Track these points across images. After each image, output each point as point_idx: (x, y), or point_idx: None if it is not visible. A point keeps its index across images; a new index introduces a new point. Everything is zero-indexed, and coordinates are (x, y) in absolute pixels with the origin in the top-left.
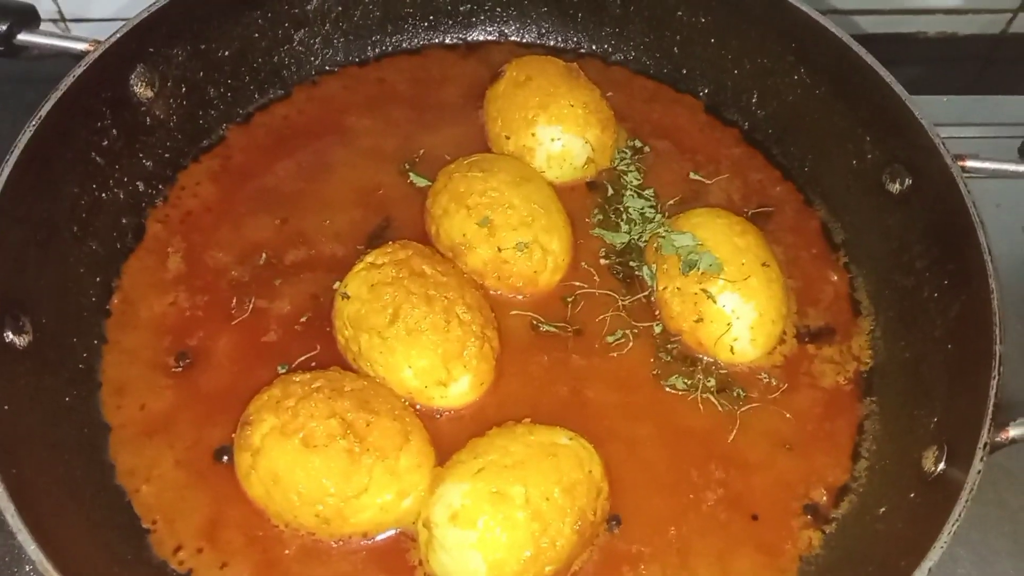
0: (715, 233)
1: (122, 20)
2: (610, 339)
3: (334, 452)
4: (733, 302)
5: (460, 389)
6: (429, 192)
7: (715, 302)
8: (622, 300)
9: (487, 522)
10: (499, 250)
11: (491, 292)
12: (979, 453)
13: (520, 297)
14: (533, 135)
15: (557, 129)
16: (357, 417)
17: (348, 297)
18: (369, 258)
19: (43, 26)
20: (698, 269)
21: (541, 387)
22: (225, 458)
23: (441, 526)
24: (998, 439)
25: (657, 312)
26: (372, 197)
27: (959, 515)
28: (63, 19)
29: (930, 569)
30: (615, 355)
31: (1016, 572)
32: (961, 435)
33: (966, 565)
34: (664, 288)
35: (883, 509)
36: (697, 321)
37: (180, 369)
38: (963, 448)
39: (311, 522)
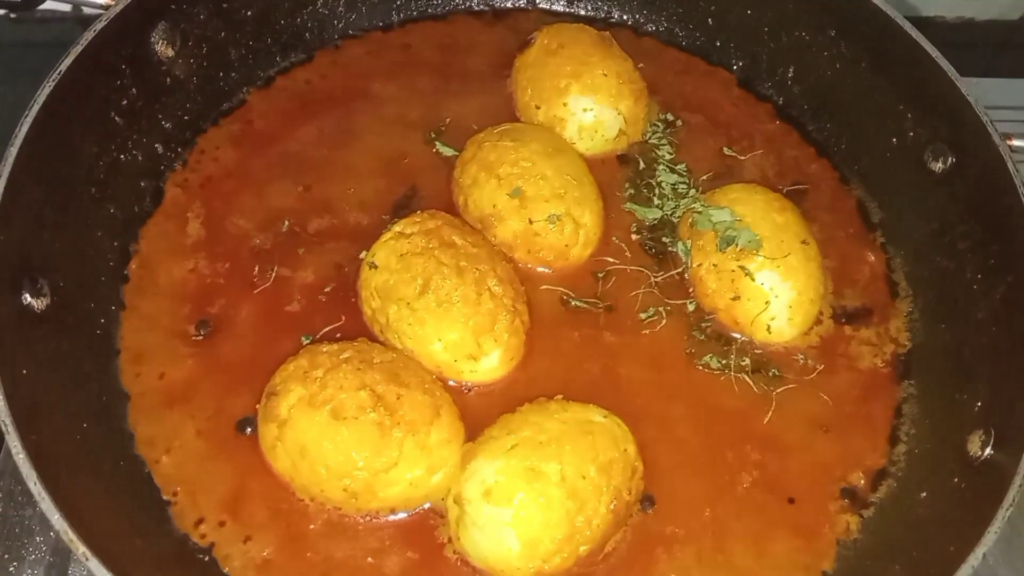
0: (754, 209)
1: None
2: (643, 316)
3: (364, 424)
4: (772, 280)
5: (490, 364)
6: (457, 162)
7: (753, 280)
8: (655, 276)
9: (522, 499)
10: (530, 222)
11: (520, 265)
12: None
13: (549, 271)
14: (565, 105)
15: (590, 99)
16: (387, 390)
17: (376, 267)
18: (397, 227)
19: None
20: (736, 245)
21: (572, 364)
22: (248, 429)
23: (474, 503)
24: None
25: (691, 289)
26: (397, 166)
27: (1013, 499)
28: None
29: (984, 554)
30: (647, 332)
31: None
32: (1009, 419)
33: (993, 552)
34: (699, 265)
35: (924, 494)
36: (734, 299)
37: (201, 337)
38: (1012, 433)
39: (338, 496)
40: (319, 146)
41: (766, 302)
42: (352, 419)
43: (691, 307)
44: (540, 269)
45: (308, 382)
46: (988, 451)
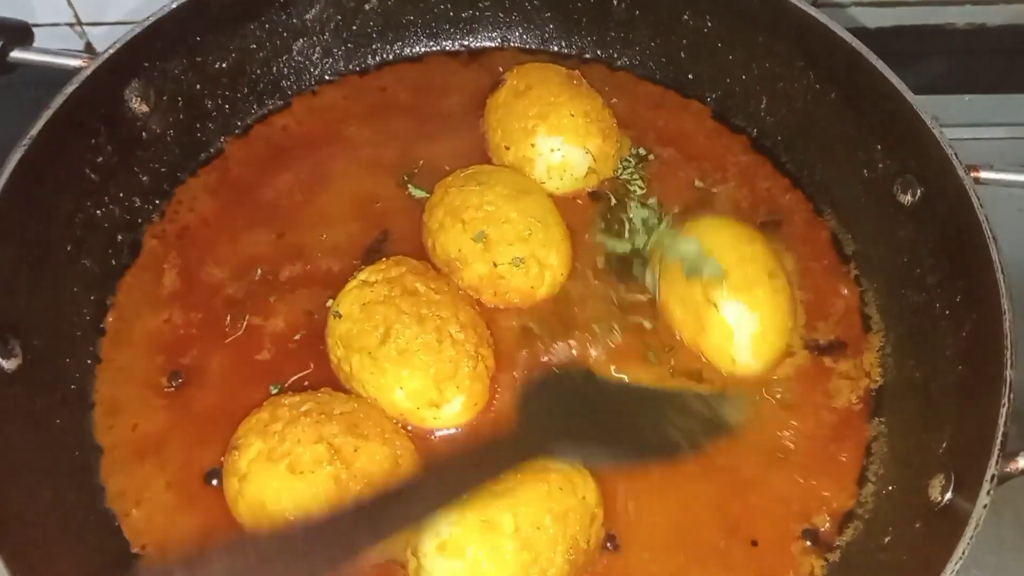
0: (721, 241)
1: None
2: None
3: (320, 479)
4: (737, 312)
5: (453, 410)
6: (426, 205)
7: (718, 311)
8: (622, 309)
9: (475, 552)
10: (495, 265)
11: (488, 305)
12: (986, 486)
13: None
14: (533, 146)
15: (557, 140)
16: (345, 442)
17: (340, 316)
18: (362, 275)
19: (60, 31)
20: (701, 275)
21: None
22: (215, 481)
23: (429, 556)
24: (1007, 470)
25: (657, 320)
26: (370, 209)
27: (963, 552)
28: (79, 23)
29: None
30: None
31: None
32: (969, 464)
33: None
34: (667, 295)
35: (888, 539)
36: (699, 329)
37: (173, 388)
38: (970, 478)
39: None
40: (294, 192)
41: (730, 334)
42: (308, 473)
43: (648, 326)
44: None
45: (267, 436)
46: (948, 496)
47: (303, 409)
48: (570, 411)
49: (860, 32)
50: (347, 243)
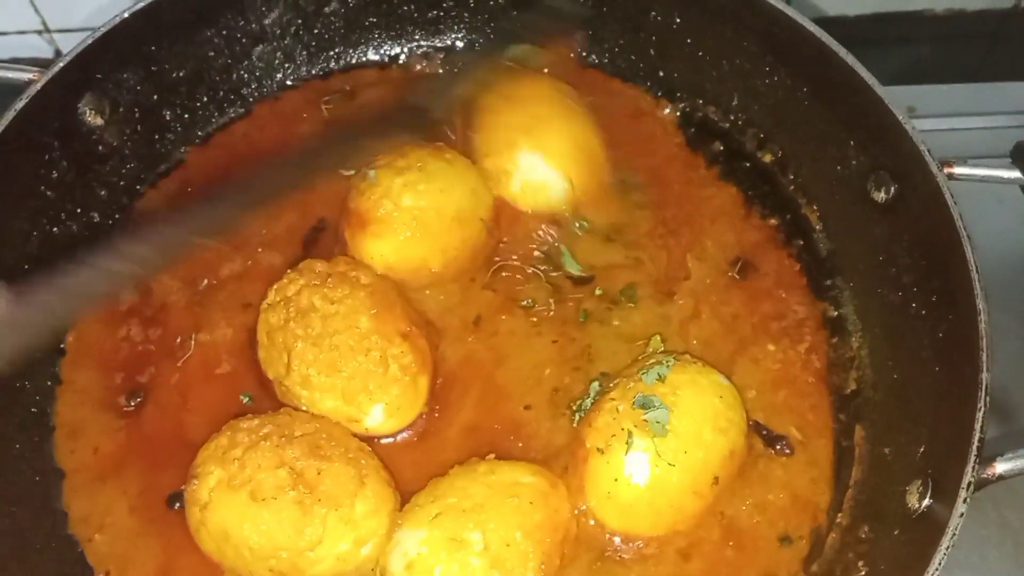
0: (694, 407)
1: None
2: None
3: (284, 505)
4: (639, 466)
5: (376, 420)
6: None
7: (626, 450)
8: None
9: (443, 571)
10: None
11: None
12: (963, 493)
13: None
14: (513, 159)
15: (538, 157)
16: (307, 465)
17: (259, 344)
18: (268, 298)
19: (29, 38)
20: (644, 412)
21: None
22: (177, 504)
23: (398, 575)
24: (984, 475)
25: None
26: (307, 198)
27: (939, 563)
28: (48, 30)
29: None
30: None
31: None
32: (946, 470)
33: None
34: (609, 392)
35: (865, 547)
36: (599, 450)
37: (132, 408)
38: (948, 485)
39: None
40: None
41: (614, 480)
42: (271, 499)
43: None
44: None
45: (227, 463)
46: (926, 502)
47: (263, 432)
48: None
49: (839, 21)
50: (286, 235)
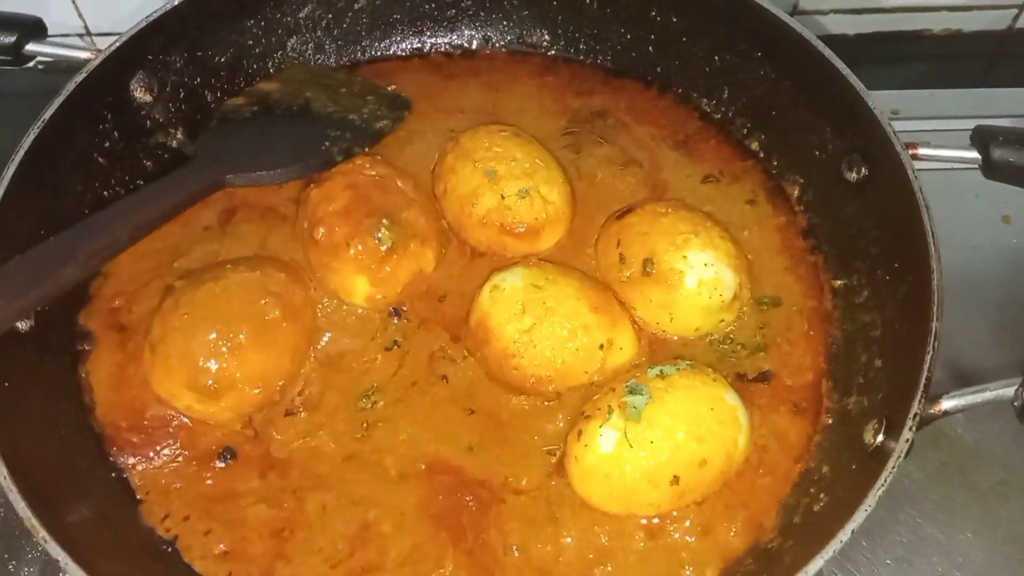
0: (676, 408)
1: None
2: None
3: None
4: (606, 438)
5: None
6: (438, 155)
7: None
8: None
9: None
10: (503, 197)
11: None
12: (908, 423)
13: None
14: (684, 257)
15: (710, 255)
16: None
17: None
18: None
19: (71, 40)
20: (627, 391)
21: None
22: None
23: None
24: (930, 411)
25: None
26: None
27: (885, 480)
28: (89, 33)
29: (853, 531)
30: None
31: (984, 554)
32: (898, 408)
33: (934, 547)
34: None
35: (826, 482)
36: (586, 417)
37: None
38: (898, 420)
39: None
40: None
41: (584, 445)
42: None
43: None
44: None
45: None
46: (880, 438)
47: None
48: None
49: (840, 39)
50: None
